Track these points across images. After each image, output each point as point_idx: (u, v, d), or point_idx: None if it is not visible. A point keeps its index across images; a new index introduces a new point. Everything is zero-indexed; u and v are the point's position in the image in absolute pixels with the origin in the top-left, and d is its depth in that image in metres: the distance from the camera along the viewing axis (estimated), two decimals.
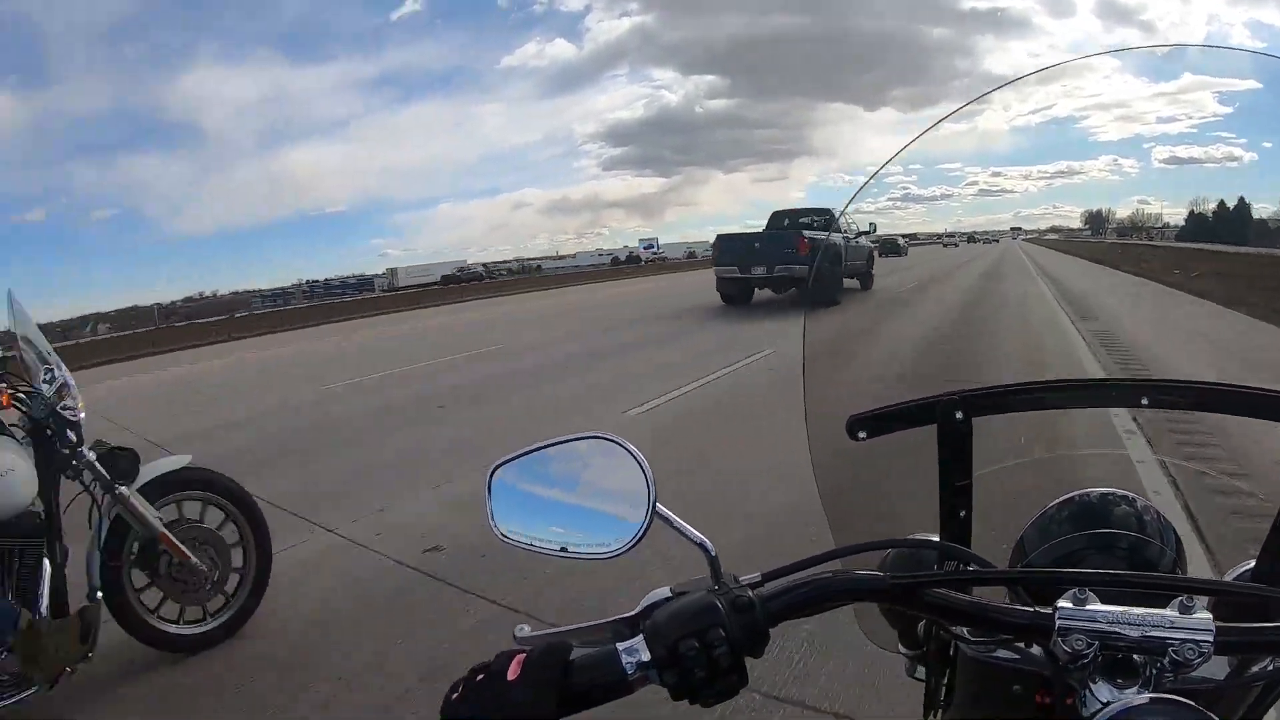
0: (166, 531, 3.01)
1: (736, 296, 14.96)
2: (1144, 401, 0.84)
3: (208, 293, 66.24)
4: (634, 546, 0.66)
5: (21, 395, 2.72)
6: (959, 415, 0.83)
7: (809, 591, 0.64)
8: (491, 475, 0.72)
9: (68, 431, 2.78)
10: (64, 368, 2.86)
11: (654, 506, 0.65)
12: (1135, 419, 3.58)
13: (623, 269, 58.68)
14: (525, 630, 0.69)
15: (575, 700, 0.58)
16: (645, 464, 0.66)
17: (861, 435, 0.88)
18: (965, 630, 0.75)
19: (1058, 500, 0.88)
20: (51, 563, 2.68)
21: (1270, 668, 0.68)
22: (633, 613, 0.63)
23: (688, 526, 0.65)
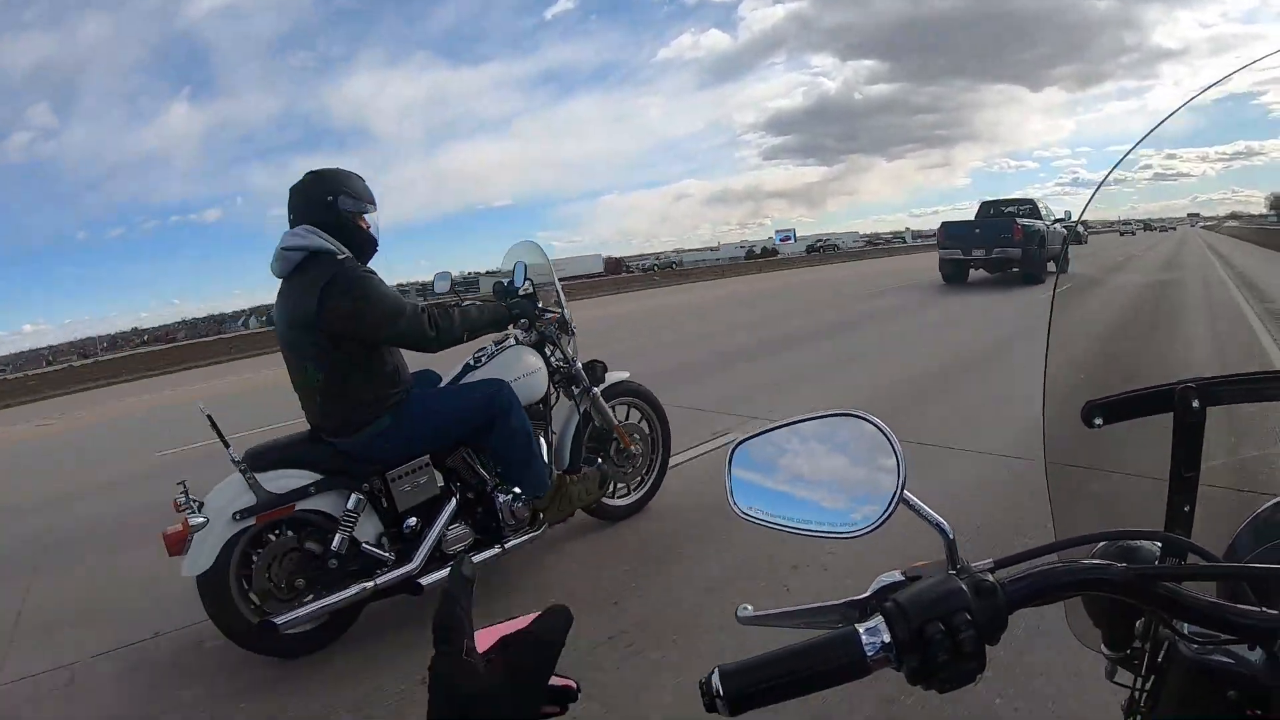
0: (619, 424, 4.13)
1: (954, 275, 17.04)
2: None
3: None
4: (878, 527, 0.66)
5: (549, 316, 3.76)
6: (1195, 404, 0.81)
7: (1047, 579, 0.63)
8: (732, 453, 0.73)
9: (566, 347, 3.88)
10: (565, 301, 3.90)
11: (904, 485, 0.65)
12: None
13: (756, 260, 58.14)
14: (749, 610, 0.70)
15: (811, 680, 0.58)
16: (896, 442, 0.66)
17: (1098, 422, 0.86)
18: (1185, 629, 0.73)
19: (1273, 501, 0.85)
20: (545, 441, 3.68)
21: None
22: (863, 595, 0.63)
23: (927, 508, 0.65)
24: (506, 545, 3.46)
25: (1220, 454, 1.11)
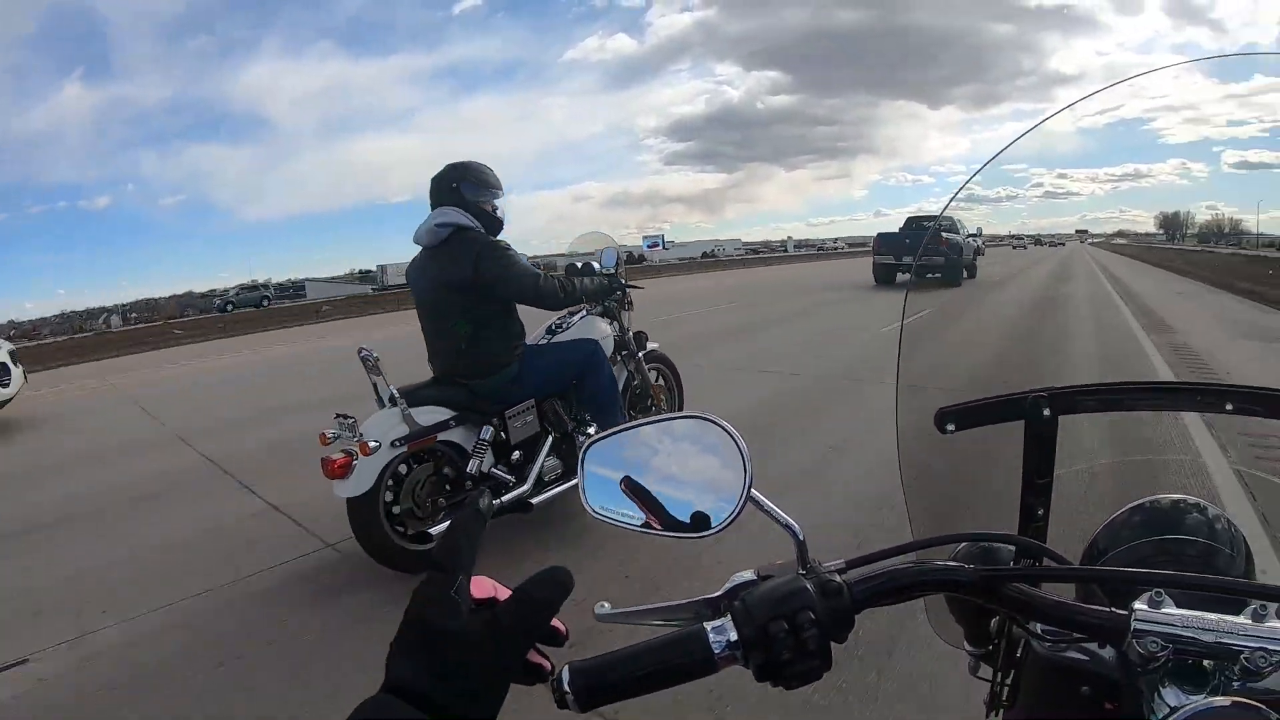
0: (653, 383, 4.85)
1: (885, 278, 19.89)
2: (1229, 407, 0.83)
3: (261, 280, 66.63)
4: (725, 528, 0.66)
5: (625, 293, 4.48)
6: (1046, 412, 0.83)
7: (895, 579, 0.64)
8: (585, 452, 0.72)
9: (624, 319, 4.55)
10: (625, 280, 4.51)
11: (749, 488, 0.65)
12: (1209, 427, 3.51)
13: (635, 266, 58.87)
14: (606, 608, 0.70)
15: (659, 677, 0.58)
16: (743, 444, 0.66)
17: (950, 428, 0.87)
18: (1038, 628, 0.76)
19: (1130, 505, 0.88)
20: None
21: None
22: (717, 594, 0.64)
23: (777, 509, 0.66)
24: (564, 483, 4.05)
25: (1084, 459, 1.15)
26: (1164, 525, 0.84)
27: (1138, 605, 0.62)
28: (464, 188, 3.81)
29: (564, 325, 4.33)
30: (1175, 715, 0.57)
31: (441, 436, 3.66)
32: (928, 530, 0.77)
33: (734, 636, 0.59)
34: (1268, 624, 0.59)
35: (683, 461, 0.69)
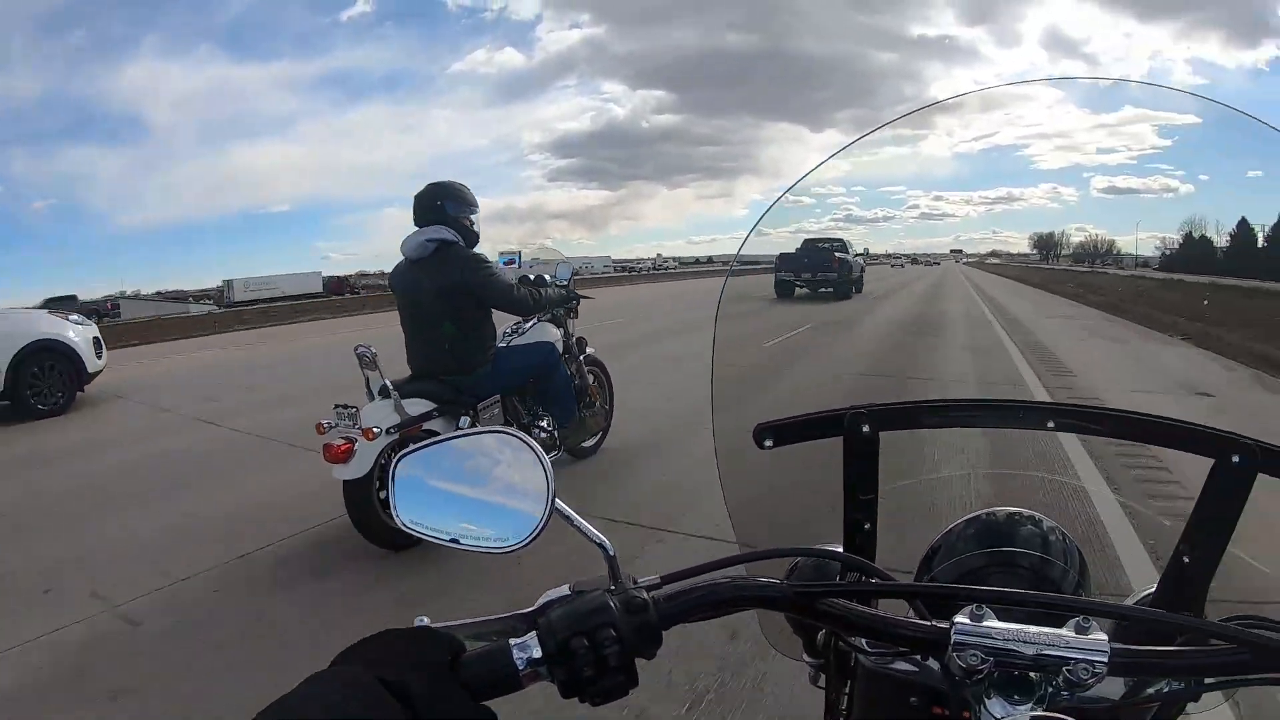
0: (590, 384, 5.36)
1: (785, 291, 19.98)
2: (1050, 425, 0.85)
3: (129, 292, 61.69)
4: (530, 543, 0.66)
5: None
6: (865, 429, 0.83)
7: (704, 595, 0.64)
8: (395, 465, 0.71)
9: (569, 325, 5.19)
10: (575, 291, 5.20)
11: (552, 503, 0.65)
12: (1082, 440, 3.69)
13: None
14: (424, 621, 0.68)
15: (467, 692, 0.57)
16: (546, 460, 0.66)
17: (768, 444, 0.87)
18: (864, 642, 0.76)
19: (965, 517, 0.90)
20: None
21: (1166, 690, 0.70)
22: (530, 609, 0.63)
23: (588, 525, 0.65)
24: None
25: (925, 472, 1.17)
26: (998, 537, 0.85)
27: (958, 619, 0.62)
28: (447, 205, 4.28)
29: (520, 330, 4.86)
30: None
31: (427, 425, 4.06)
32: (754, 544, 0.76)
33: (538, 654, 0.58)
34: (1090, 636, 0.60)
35: (491, 476, 0.69)
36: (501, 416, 4.52)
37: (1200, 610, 0.77)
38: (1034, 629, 0.61)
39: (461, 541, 0.68)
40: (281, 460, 6.01)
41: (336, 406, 3.87)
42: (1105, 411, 0.86)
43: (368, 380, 3.95)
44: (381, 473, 3.79)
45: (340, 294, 46.35)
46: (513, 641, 0.59)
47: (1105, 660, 0.59)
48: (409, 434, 3.89)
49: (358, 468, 3.72)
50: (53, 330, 9.02)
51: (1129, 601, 0.83)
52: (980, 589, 0.78)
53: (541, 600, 0.63)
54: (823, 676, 0.90)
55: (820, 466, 0.85)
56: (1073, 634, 0.60)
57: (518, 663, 0.58)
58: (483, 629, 0.65)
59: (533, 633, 0.59)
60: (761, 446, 0.88)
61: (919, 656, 0.74)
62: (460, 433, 0.71)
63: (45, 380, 8.79)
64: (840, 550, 0.82)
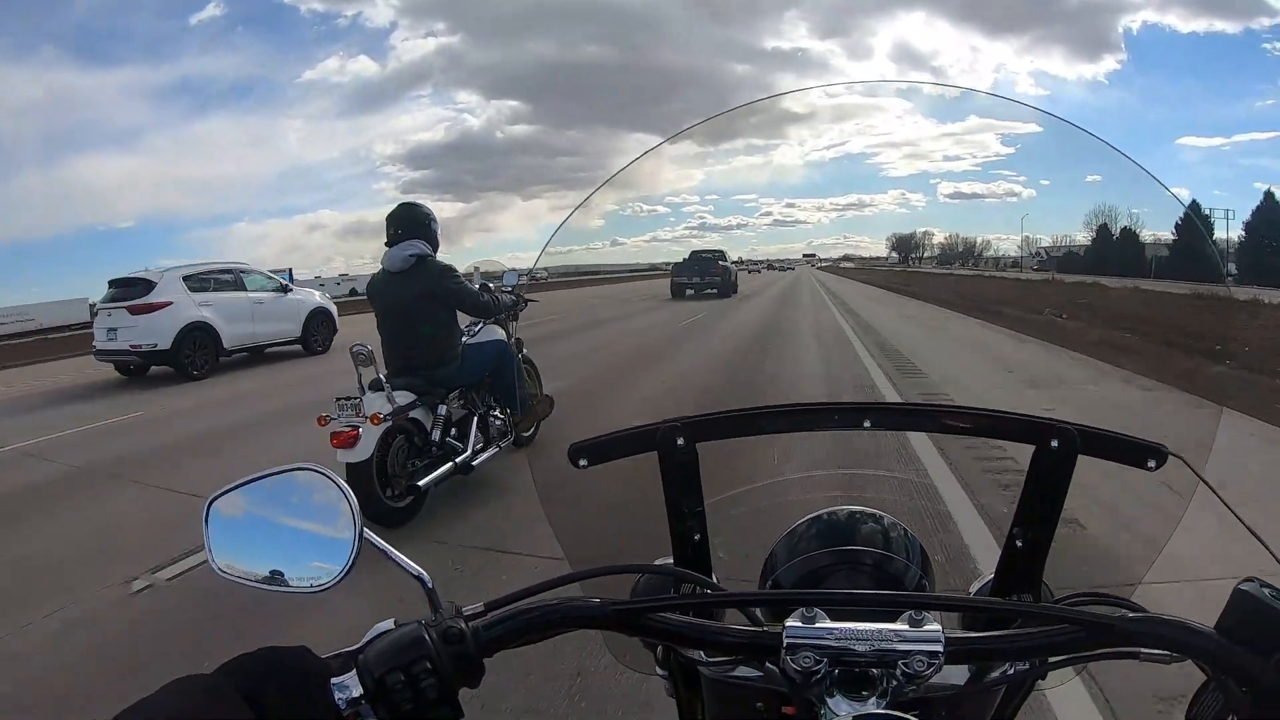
0: (527, 377, 5.87)
1: (679, 293, 20.64)
2: (866, 424, 0.85)
3: None
4: (342, 580, 0.64)
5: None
6: (680, 441, 0.81)
7: (525, 621, 0.63)
8: (208, 508, 0.68)
9: (511, 325, 5.48)
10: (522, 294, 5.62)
11: (360, 537, 0.64)
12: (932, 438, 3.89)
13: None
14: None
15: None
16: (350, 494, 0.65)
17: (583, 463, 0.85)
18: (701, 653, 0.76)
19: (806, 517, 0.90)
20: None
21: (1010, 672, 0.72)
22: (356, 646, 0.61)
23: (403, 557, 0.64)
24: (502, 446, 5.24)
25: (767, 476, 1.19)
26: (840, 536, 0.86)
27: (789, 622, 0.63)
28: (433, 224, 4.97)
29: (472, 331, 5.32)
30: None
31: (410, 414, 4.59)
32: (584, 564, 0.76)
33: (358, 692, 0.57)
34: (924, 629, 0.61)
35: (300, 514, 0.67)
36: (464, 406, 5.09)
37: (1038, 592, 0.79)
38: (866, 626, 0.62)
39: (274, 584, 0.66)
40: None
41: (338, 399, 4.29)
42: (922, 407, 0.89)
43: (360, 375, 4.47)
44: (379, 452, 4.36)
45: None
46: (334, 681, 0.57)
47: (940, 650, 0.60)
48: (399, 420, 4.48)
49: (363, 451, 4.23)
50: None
51: (972, 589, 0.85)
52: (807, 592, 0.80)
53: (368, 636, 0.61)
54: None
55: (650, 481, 0.84)
56: (906, 628, 0.61)
57: (339, 703, 0.57)
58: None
59: (352, 671, 0.58)
60: (577, 466, 0.86)
61: (758, 662, 0.74)
62: (267, 471, 0.68)
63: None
64: (659, 565, 0.81)
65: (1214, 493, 0.81)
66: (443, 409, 4.83)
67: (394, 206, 5.00)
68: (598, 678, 2.66)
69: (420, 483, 4.58)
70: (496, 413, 5.34)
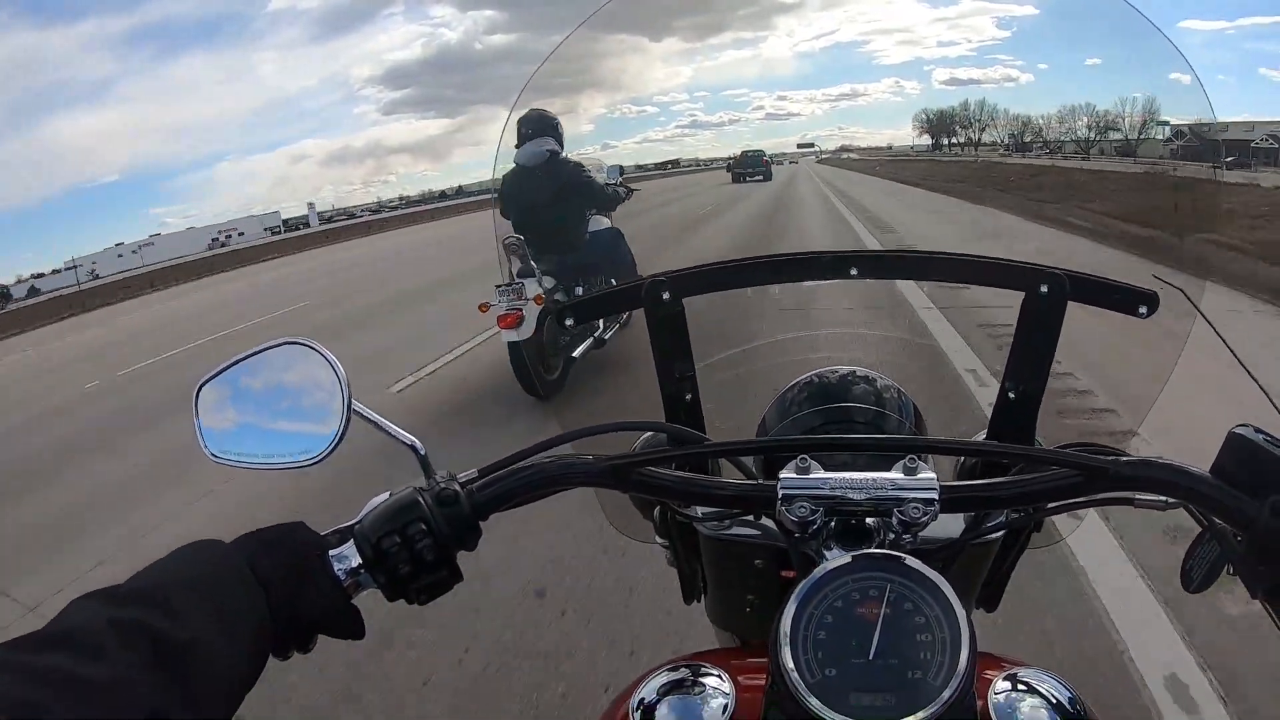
0: None
1: (739, 180, 18.98)
2: (853, 272, 0.83)
3: None
4: (332, 451, 0.64)
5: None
6: (666, 296, 0.79)
7: (518, 481, 0.63)
8: (197, 394, 0.68)
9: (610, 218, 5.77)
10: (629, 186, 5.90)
11: (349, 407, 0.63)
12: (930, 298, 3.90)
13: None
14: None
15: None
16: (336, 363, 0.64)
17: (569, 322, 0.85)
18: (698, 511, 0.77)
19: (799, 379, 0.90)
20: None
21: (1006, 519, 0.72)
22: (353, 520, 0.61)
23: (393, 426, 0.64)
24: (620, 321, 5.42)
25: (763, 337, 1.18)
26: (831, 396, 0.87)
27: (783, 473, 0.63)
28: (558, 125, 5.22)
29: (586, 220, 5.73)
30: (818, 569, 0.57)
31: (554, 295, 4.97)
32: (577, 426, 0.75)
33: (356, 561, 0.58)
34: (919, 476, 0.62)
35: (287, 390, 0.67)
36: (591, 288, 5.30)
37: (1031, 442, 0.78)
38: (860, 475, 0.62)
39: (265, 462, 0.66)
40: None
41: (498, 287, 4.70)
42: (909, 254, 0.86)
43: (511, 263, 4.93)
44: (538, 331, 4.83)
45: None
46: (331, 553, 0.58)
47: (935, 497, 0.60)
48: (538, 302, 4.85)
49: (527, 330, 4.70)
50: None
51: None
52: (800, 438, 0.80)
53: (364, 509, 0.61)
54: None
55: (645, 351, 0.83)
56: (900, 475, 0.62)
57: (340, 575, 0.57)
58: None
59: (350, 541, 0.59)
60: (562, 325, 0.87)
61: (754, 518, 0.75)
62: (249, 351, 0.67)
63: None
64: (659, 422, 0.80)
65: (1214, 329, 0.79)
66: (579, 290, 5.19)
67: (525, 111, 5.02)
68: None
69: (574, 354, 5.13)
70: None
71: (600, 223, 5.79)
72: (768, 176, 12.29)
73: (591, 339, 5.37)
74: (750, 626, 0.87)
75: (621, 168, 6.28)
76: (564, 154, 5.27)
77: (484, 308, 4.85)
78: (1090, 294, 0.75)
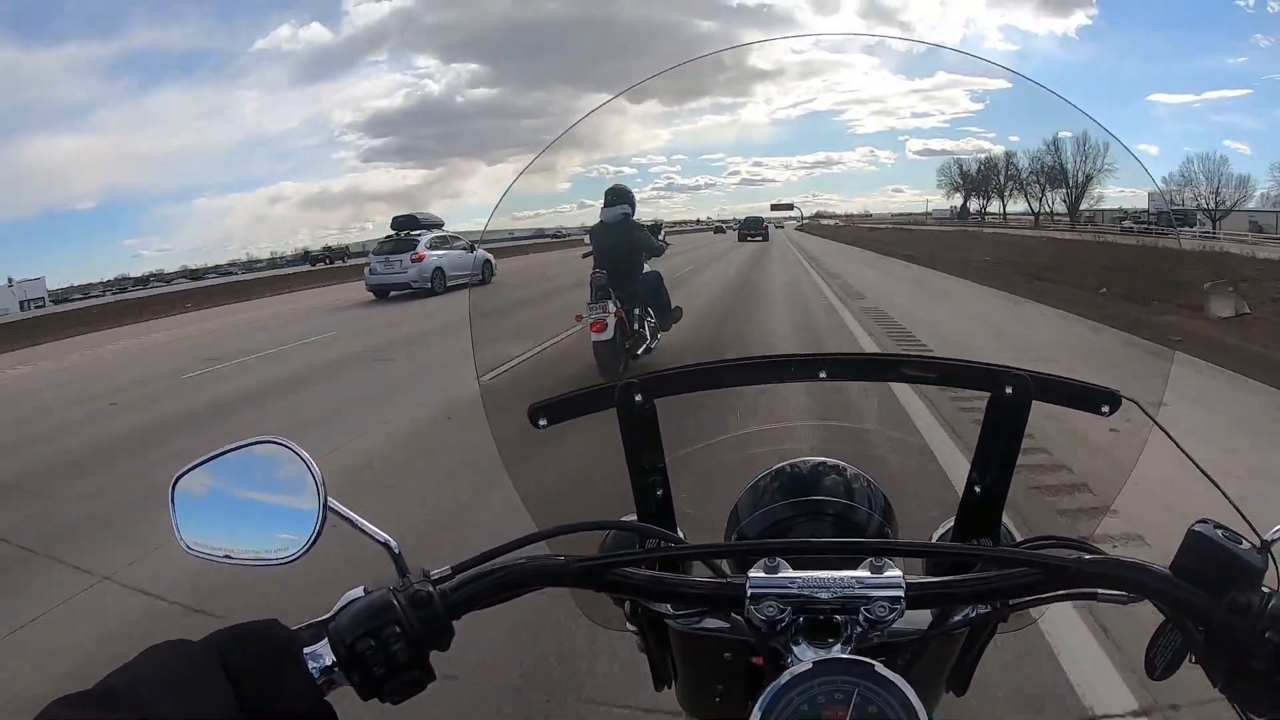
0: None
1: (743, 239, 19.39)
2: (822, 375, 0.85)
3: None
4: (310, 549, 0.65)
5: None
6: (638, 398, 0.81)
7: (491, 581, 0.64)
8: (174, 486, 0.68)
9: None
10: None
11: (325, 506, 0.64)
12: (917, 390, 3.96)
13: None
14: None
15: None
16: (311, 463, 0.65)
17: (542, 423, 0.86)
18: (668, 606, 0.77)
19: (769, 470, 0.91)
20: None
21: (973, 615, 0.73)
22: (326, 615, 0.61)
23: (368, 524, 0.64)
24: (658, 337, 5.90)
25: (733, 429, 1.19)
26: (802, 488, 0.87)
27: (752, 573, 0.64)
28: (632, 195, 5.63)
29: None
30: (785, 674, 0.58)
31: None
32: (549, 523, 0.76)
33: (330, 660, 0.58)
34: (884, 575, 0.63)
35: (264, 486, 0.67)
36: (641, 314, 6.13)
37: (997, 536, 0.80)
38: (828, 574, 0.63)
39: (241, 559, 0.66)
40: None
41: (589, 304, 5.32)
42: (878, 356, 0.89)
43: (594, 289, 5.50)
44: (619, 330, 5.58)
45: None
46: (306, 651, 0.58)
47: (901, 595, 0.62)
48: (619, 315, 5.63)
49: (609, 333, 5.43)
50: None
51: (934, 536, 0.86)
52: (767, 541, 0.82)
53: (338, 604, 0.62)
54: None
55: (613, 440, 0.84)
56: (868, 574, 0.63)
57: (313, 673, 0.58)
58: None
59: (324, 640, 0.59)
60: (537, 426, 0.86)
61: (724, 613, 0.75)
62: (229, 447, 0.68)
63: None
64: (625, 521, 0.82)
65: (1168, 436, 0.81)
66: (636, 313, 5.98)
67: (612, 184, 5.81)
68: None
69: (637, 353, 5.83)
70: (652, 319, 6.56)
71: (647, 266, 6.62)
72: (766, 237, 14.22)
73: (645, 346, 6.14)
74: (721, 715, 0.86)
75: (660, 223, 7.17)
76: (634, 216, 5.98)
77: (579, 318, 5.59)
78: (1054, 394, 0.78)
